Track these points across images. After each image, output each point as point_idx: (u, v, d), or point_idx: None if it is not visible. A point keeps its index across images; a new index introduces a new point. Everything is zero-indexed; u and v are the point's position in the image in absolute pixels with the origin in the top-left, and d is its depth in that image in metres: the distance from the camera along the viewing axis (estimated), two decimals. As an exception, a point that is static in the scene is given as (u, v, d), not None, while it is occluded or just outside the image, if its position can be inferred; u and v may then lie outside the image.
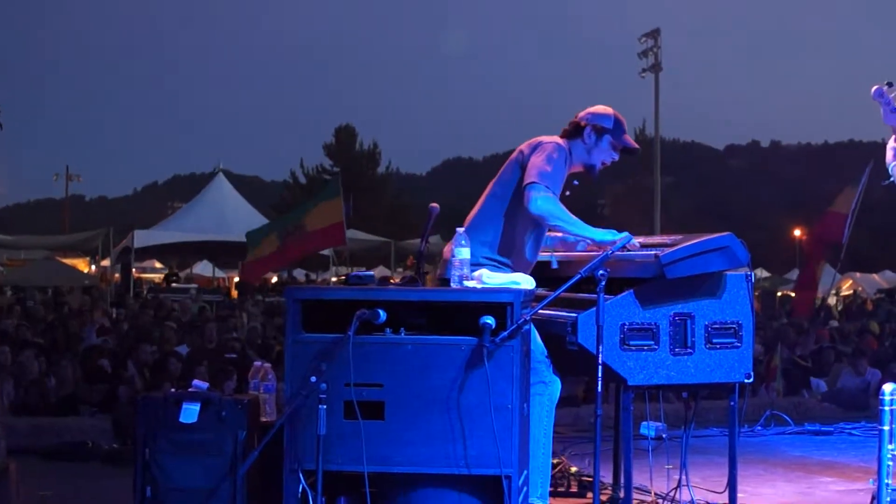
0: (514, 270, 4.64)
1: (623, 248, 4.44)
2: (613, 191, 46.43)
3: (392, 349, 3.98)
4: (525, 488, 4.19)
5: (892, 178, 5.05)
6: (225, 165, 32.61)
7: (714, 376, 4.46)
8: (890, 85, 4.84)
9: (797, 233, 38.24)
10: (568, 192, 4.71)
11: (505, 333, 3.89)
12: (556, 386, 4.58)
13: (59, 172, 51.56)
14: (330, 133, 50.39)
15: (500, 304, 3.97)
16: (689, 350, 4.40)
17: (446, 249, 4.36)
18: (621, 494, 4.62)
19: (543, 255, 5.00)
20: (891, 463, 4.14)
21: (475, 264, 4.45)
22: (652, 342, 4.35)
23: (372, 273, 4.61)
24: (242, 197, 28.03)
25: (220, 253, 28.91)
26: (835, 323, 17.81)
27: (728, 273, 4.46)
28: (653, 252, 4.41)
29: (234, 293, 24.97)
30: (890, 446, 4.15)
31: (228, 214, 25.47)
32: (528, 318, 4.05)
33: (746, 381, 4.52)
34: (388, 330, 4.00)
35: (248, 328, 13.29)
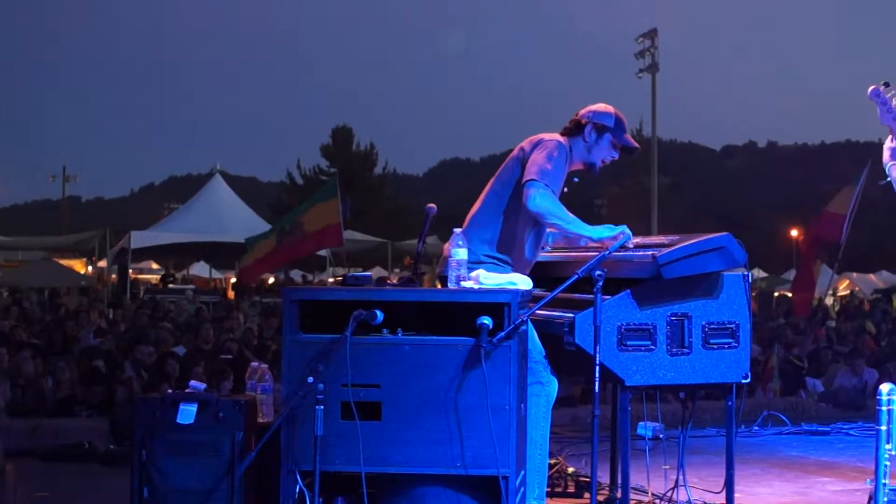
0: (514, 268, 4.64)
1: (622, 246, 4.43)
2: (611, 191, 46.44)
3: (389, 350, 3.97)
4: (522, 489, 4.18)
5: (888, 178, 5.05)
6: (222, 166, 32.66)
7: (711, 377, 4.45)
8: (886, 85, 4.85)
9: (794, 233, 38.22)
10: (566, 189, 4.71)
11: (502, 334, 3.88)
12: (553, 386, 4.57)
13: (55, 174, 51.71)
14: (327, 134, 50.27)
15: (497, 305, 3.96)
16: (687, 350, 4.39)
17: (446, 247, 4.36)
18: (618, 495, 4.61)
19: (543, 256, 5.00)
20: (888, 463, 4.14)
21: (475, 262, 4.45)
22: (649, 342, 4.35)
23: (369, 274, 4.61)
24: (239, 198, 27.96)
25: (217, 254, 28.96)
26: (832, 323, 17.78)
27: (725, 273, 4.46)
28: (650, 252, 4.40)
29: (231, 294, 24.90)
30: (887, 446, 4.14)
31: (225, 215, 25.41)
32: (525, 319, 4.04)
33: (743, 381, 4.52)
34: (385, 330, 4.00)
35: (244, 329, 13.26)
